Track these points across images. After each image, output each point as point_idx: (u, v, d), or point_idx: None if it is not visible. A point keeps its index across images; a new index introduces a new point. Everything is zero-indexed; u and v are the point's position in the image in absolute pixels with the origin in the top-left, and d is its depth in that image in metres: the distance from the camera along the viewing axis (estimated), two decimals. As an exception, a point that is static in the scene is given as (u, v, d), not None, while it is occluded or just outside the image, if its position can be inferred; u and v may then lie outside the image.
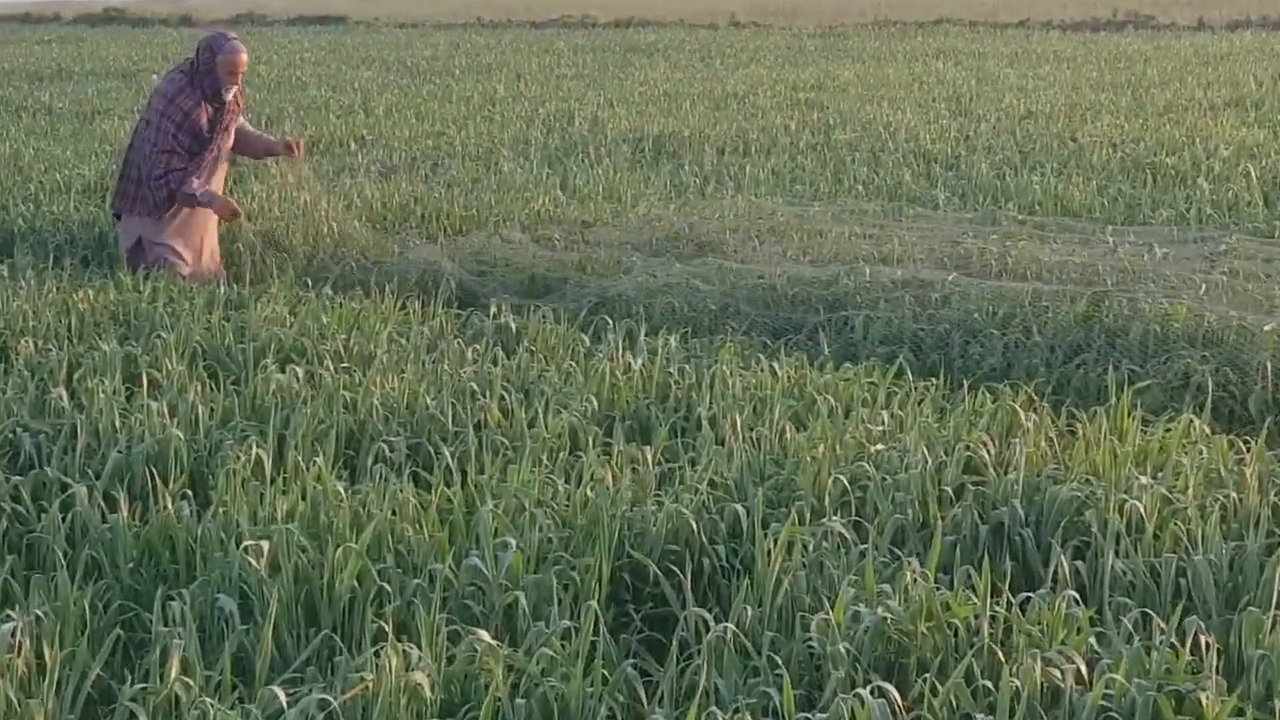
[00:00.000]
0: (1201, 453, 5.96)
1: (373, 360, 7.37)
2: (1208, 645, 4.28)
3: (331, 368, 7.21)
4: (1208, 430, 6.33)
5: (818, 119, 18.60)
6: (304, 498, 5.38)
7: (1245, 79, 22.69)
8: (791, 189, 13.36)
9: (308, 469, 5.70)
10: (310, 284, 9.31)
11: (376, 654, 4.22)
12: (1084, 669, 4.23)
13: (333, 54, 33.62)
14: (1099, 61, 27.85)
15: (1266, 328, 7.63)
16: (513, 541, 4.90)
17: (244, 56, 9.87)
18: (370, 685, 4.11)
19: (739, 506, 5.34)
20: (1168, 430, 6.27)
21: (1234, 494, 5.48)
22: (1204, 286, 8.64)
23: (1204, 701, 4.01)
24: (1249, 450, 6.01)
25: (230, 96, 9.89)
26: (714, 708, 4.15)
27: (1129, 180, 13.39)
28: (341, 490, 5.44)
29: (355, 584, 4.76)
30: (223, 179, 10.25)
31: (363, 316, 8.32)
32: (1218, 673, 4.19)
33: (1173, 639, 4.33)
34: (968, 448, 5.88)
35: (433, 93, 23.28)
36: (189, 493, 5.67)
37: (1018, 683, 4.09)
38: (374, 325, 8.11)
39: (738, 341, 7.97)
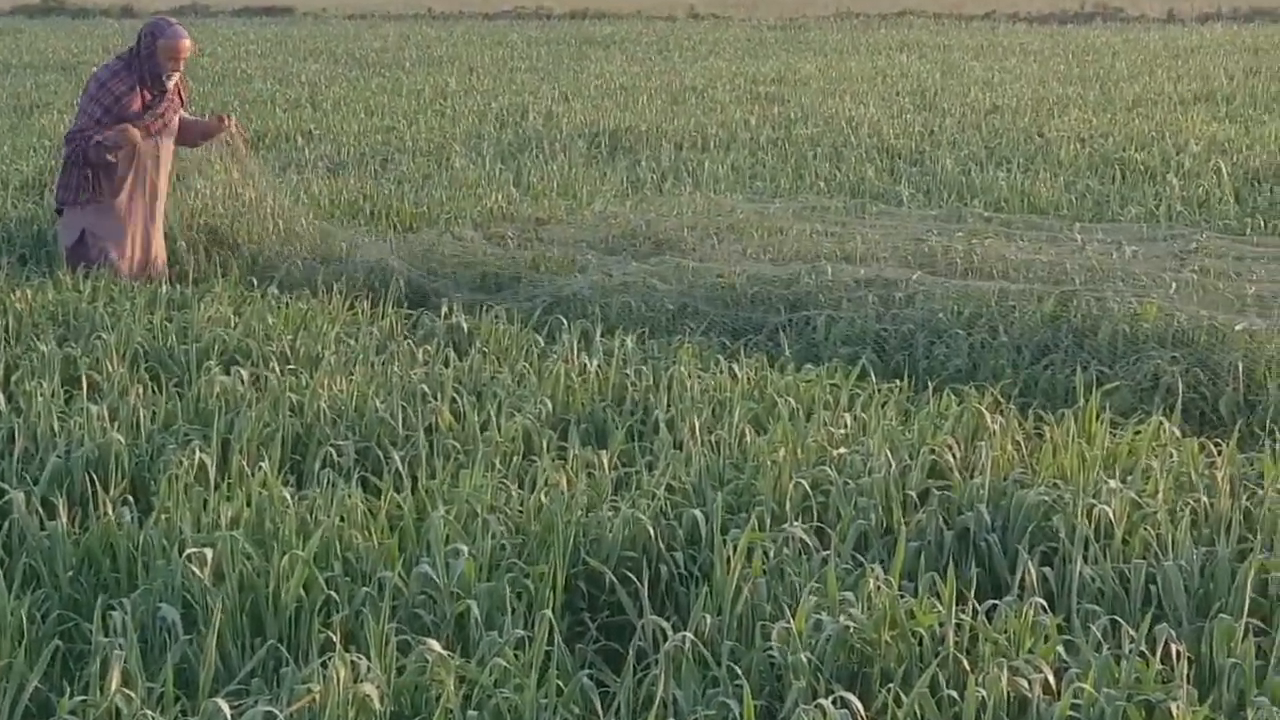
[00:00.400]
0: (1171, 455, 5.98)
1: (320, 362, 7.34)
2: (1178, 654, 4.30)
3: (277, 369, 7.19)
4: (1178, 432, 6.35)
5: (778, 113, 18.63)
6: (249, 504, 5.36)
7: (1216, 73, 22.82)
8: (751, 185, 13.37)
9: (253, 474, 5.67)
10: (255, 283, 9.28)
11: (324, 665, 4.21)
12: (1052, 678, 4.24)
13: (279, 46, 33.51)
14: (1066, 54, 27.98)
15: (1238, 327, 7.68)
16: (464, 548, 4.89)
17: (187, 42, 9.82)
18: (317, 697, 4.10)
19: (698, 512, 5.34)
20: (1137, 433, 6.29)
21: (1205, 498, 5.51)
22: (1174, 285, 8.68)
23: (1174, 712, 4.03)
24: (1220, 453, 6.05)
25: (172, 83, 9.83)
26: (672, 719, 4.15)
27: (1097, 176, 13.46)
28: (288, 496, 5.42)
29: (302, 593, 4.74)
30: (167, 175, 10.18)
31: (310, 317, 8.30)
32: (1189, 682, 4.20)
33: (1142, 647, 4.34)
34: (932, 451, 5.90)
35: (382, 86, 23.23)
36: (130, 499, 5.64)
37: (984, 693, 4.10)
38: (321, 326, 8.09)
39: (696, 342, 7.97)
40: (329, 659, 4.21)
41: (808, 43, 32.97)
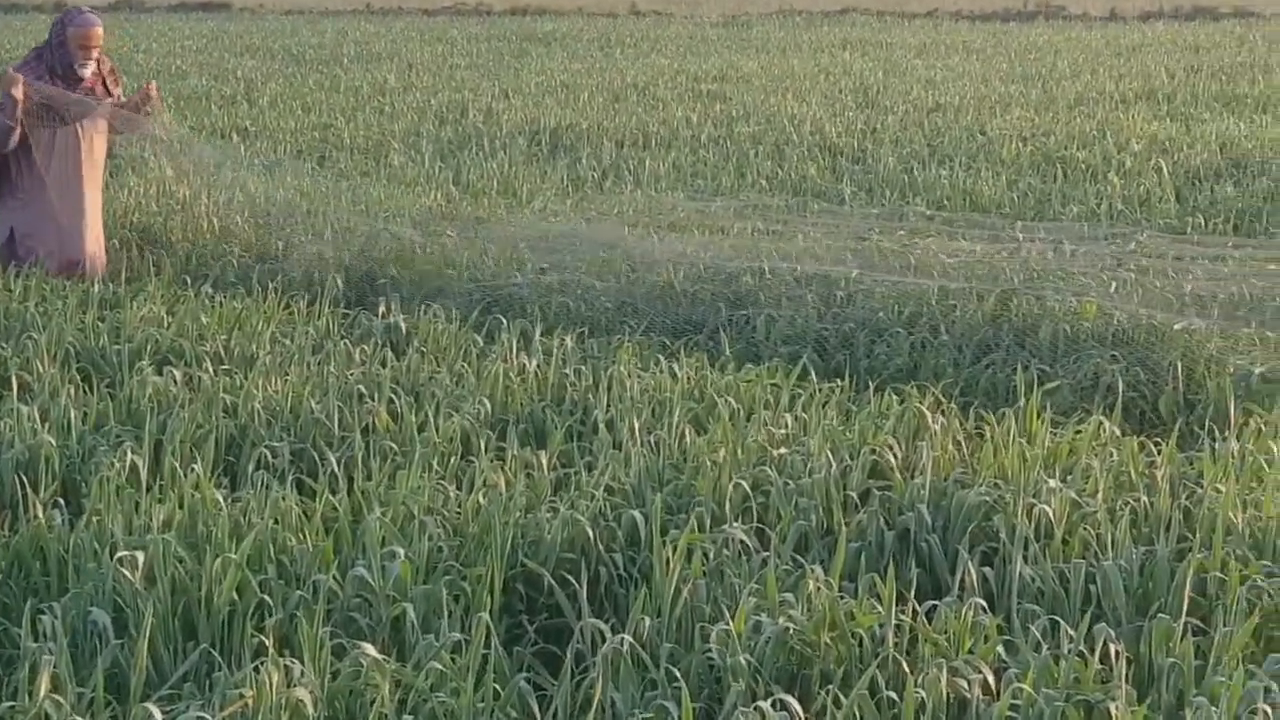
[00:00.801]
0: (1112, 455, 6.01)
1: (255, 362, 7.31)
2: (1117, 654, 4.32)
3: (211, 370, 7.15)
4: (1118, 432, 6.39)
5: (720, 111, 18.65)
6: (181, 506, 5.33)
7: (1157, 71, 22.96)
8: (693, 184, 13.38)
9: (185, 476, 5.64)
10: (189, 282, 9.22)
11: (256, 669, 4.19)
12: (991, 679, 4.26)
13: (215, 42, 33.33)
14: (1009, 53, 28.10)
15: (1177, 326, 7.73)
16: (401, 551, 4.87)
17: (98, 30, 9.72)
18: (250, 702, 4.08)
19: (637, 513, 5.34)
20: (1077, 432, 6.33)
21: (1144, 497, 5.54)
22: (1114, 284, 8.73)
23: (1113, 712, 4.05)
24: (1160, 452, 6.08)
25: (88, 73, 9.73)
26: (610, 722, 4.15)
27: (1039, 175, 13.53)
28: (221, 498, 5.39)
29: (235, 596, 4.72)
30: (100, 173, 10.09)
31: (244, 316, 8.25)
32: (1127, 682, 4.23)
33: (1081, 647, 4.36)
34: (873, 451, 5.91)
35: (320, 83, 23.14)
36: (61, 501, 5.60)
37: (923, 694, 4.11)
38: (256, 325, 8.05)
39: (636, 342, 7.96)
40: (262, 663, 4.19)
41: (750, 40, 33.02)
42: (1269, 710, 4.03)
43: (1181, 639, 4.43)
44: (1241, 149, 14.33)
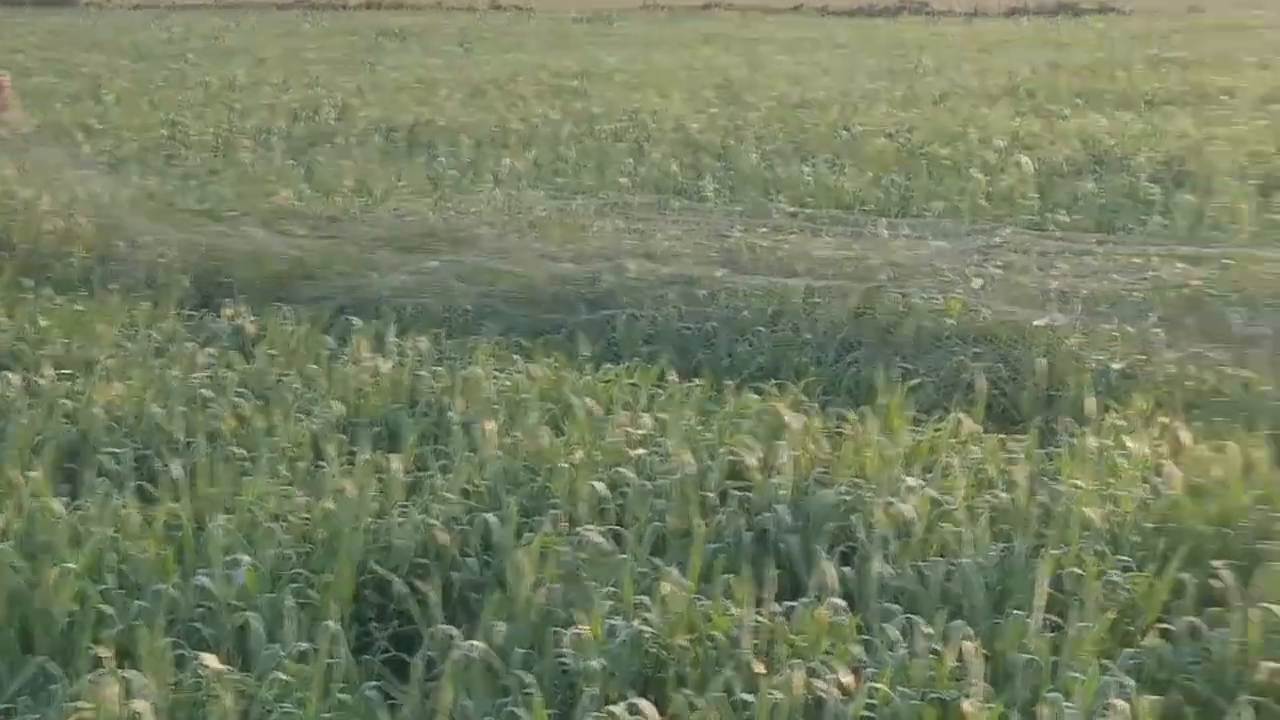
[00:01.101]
0: (972, 452, 6.08)
1: (96, 366, 7.21)
2: (974, 651, 4.36)
3: (51, 374, 7.04)
4: (980, 429, 6.46)
5: (582, 108, 18.64)
6: (19, 514, 5.25)
7: (1020, 68, 23.22)
8: (553, 182, 13.36)
9: (23, 483, 5.55)
10: (28, 284, 9.08)
11: (95, 681, 4.13)
12: (849, 678, 4.29)
13: (59, 37, 32.88)
14: (874, 49, 28.33)
15: (1038, 323, 7.83)
16: (246, 558, 4.83)
17: None
18: (87, 715, 4.02)
19: (491, 516, 5.33)
20: (938, 430, 6.39)
21: (1004, 494, 5.60)
22: (977, 281, 8.82)
23: (967, 709, 4.09)
24: (1020, 449, 6.15)
25: None
26: (460, 729, 4.14)
27: (903, 172, 13.63)
28: (60, 506, 5.32)
29: (74, 606, 4.65)
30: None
31: (86, 318, 8.14)
32: (984, 679, 4.27)
33: (936, 645, 4.40)
34: (732, 451, 5.94)
35: (168, 79, 22.88)
36: (-109, 512, 5.50)
37: (779, 695, 4.13)
38: (98, 328, 7.94)
39: (494, 342, 7.95)
40: (101, 675, 4.14)
41: (611, 36, 33.06)
42: (1122, 705, 4.08)
43: (1037, 635, 4.49)
44: (1103, 145, 14.53)
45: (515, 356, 7.60)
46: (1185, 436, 6.24)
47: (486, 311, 8.82)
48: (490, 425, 6.28)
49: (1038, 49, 27.30)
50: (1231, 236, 10.62)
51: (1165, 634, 4.63)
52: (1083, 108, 17.71)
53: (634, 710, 4.10)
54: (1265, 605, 4.60)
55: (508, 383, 7.07)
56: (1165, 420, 6.48)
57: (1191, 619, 4.65)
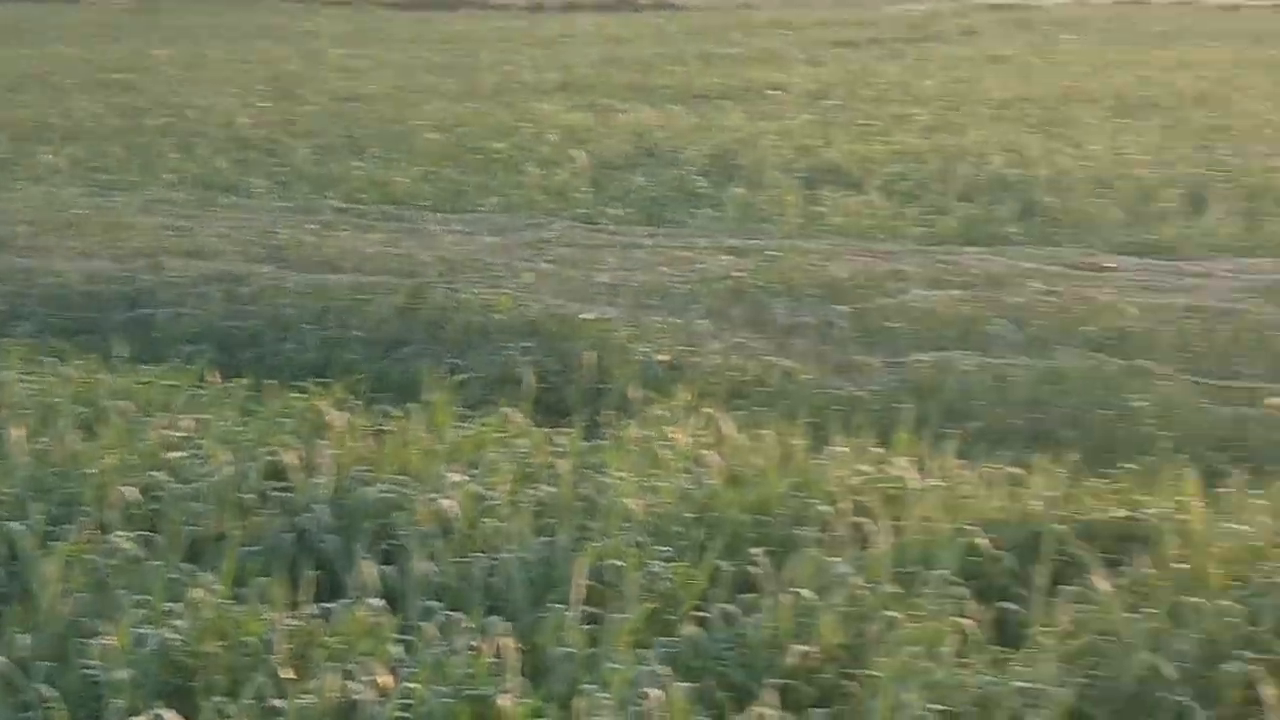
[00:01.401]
0: (519, 446, 6.12)
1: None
2: (512, 646, 4.38)
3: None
4: (528, 423, 6.50)
5: (127, 102, 18.20)
6: None
7: (576, 62, 23.54)
8: (96, 179, 13.02)
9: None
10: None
11: None
12: (388, 679, 4.26)
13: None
14: (431, 42, 28.33)
15: (585, 316, 7.95)
16: None
17: None
18: None
19: (17, 525, 5.15)
20: (485, 425, 6.41)
21: (548, 488, 5.65)
22: (528, 275, 8.91)
23: (503, 705, 4.11)
24: (566, 442, 6.22)
25: None
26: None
27: (457, 166, 13.67)
28: None
29: None
30: None
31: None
32: (522, 673, 4.30)
33: (475, 641, 4.41)
34: (272, 451, 5.86)
35: None
36: None
37: (312, 698, 4.09)
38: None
39: (25, 344, 7.70)
40: None
41: (160, 26, 32.33)
42: (656, 693, 4.15)
43: (575, 628, 4.54)
44: (654, 138, 14.84)
45: (48, 359, 7.36)
46: (727, 426, 6.40)
47: (21, 313, 8.57)
48: (18, 431, 6.07)
49: (596, 44, 27.71)
50: (779, 229, 10.95)
51: (702, 622, 4.73)
52: (637, 102, 18.04)
53: (160, 721, 4.01)
54: (796, 590, 4.75)
55: (38, 386, 6.84)
56: (709, 411, 6.63)
57: (726, 606, 4.76)
